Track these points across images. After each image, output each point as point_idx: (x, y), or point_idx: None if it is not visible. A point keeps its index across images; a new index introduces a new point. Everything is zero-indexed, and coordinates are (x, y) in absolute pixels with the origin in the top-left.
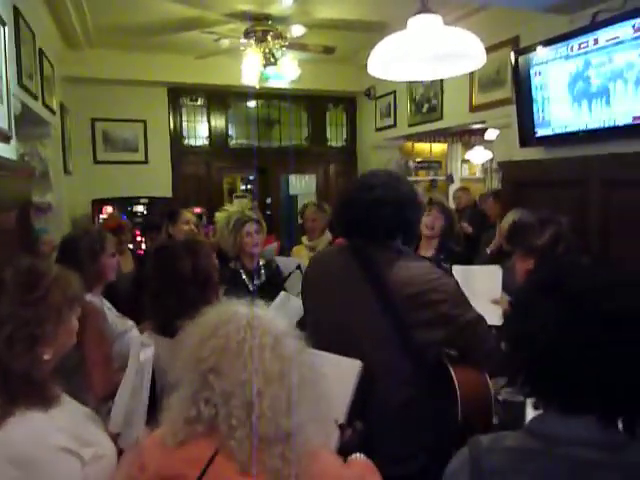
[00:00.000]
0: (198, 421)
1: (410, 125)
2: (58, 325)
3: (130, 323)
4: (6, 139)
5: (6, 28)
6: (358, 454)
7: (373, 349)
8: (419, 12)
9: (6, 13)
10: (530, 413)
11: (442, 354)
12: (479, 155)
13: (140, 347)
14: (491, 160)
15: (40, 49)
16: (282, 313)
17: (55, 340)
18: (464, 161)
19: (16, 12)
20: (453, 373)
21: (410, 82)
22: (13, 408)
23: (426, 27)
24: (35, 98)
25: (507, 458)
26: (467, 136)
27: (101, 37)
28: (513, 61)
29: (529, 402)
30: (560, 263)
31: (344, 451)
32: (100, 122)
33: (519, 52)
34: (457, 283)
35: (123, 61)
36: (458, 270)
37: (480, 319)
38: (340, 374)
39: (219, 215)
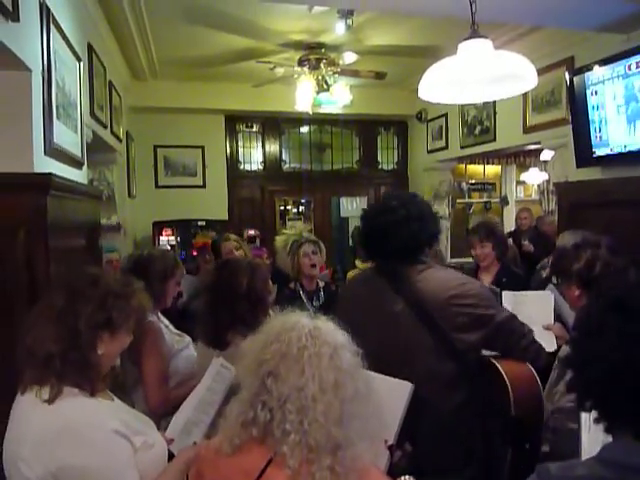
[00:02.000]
0: (254, 424)
1: (462, 147)
2: (122, 327)
3: (187, 339)
4: (79, 165)
5: (82, 64)
6: (407, 476)
7: (417, 361)
8: (470, 37)
9: (81, 50)
10: (585, 441)
11: (483, 356)
12: (534, 176)
13: (219, 367)
14: (547, 181)
15: (110, 81)
16: None
17: (113, 340)
18: (519, 182)
19: (90, 48)
20: (501, 368)
21: (462, 105)
22: (62, 386)
23: (476, 51)
24: (105, 127)
25: None
26: (522, 157)
27: (164, 69)
28: (568, 81)
29: (584, 429)
30: (622, 281)
31: (393, 473)
32: (162, 148)
33: (574, 72)
34: (482, 285)
35: (183, 90)
36: (508, 295)
37: (512, 317)
38: (391, 395)
39: (278, 238)
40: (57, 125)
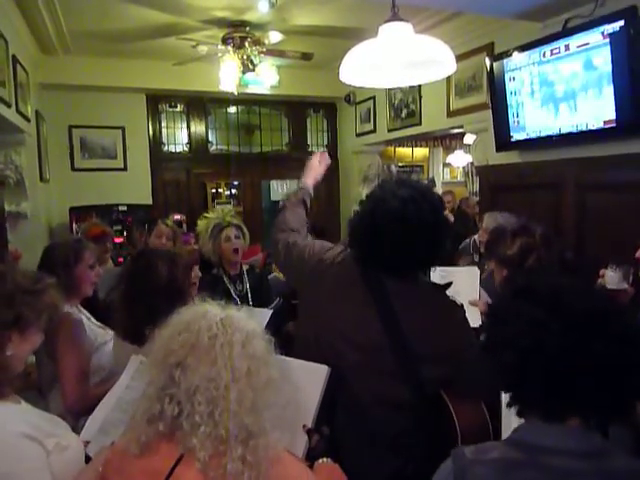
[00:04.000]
0: (160, 419)
1: (390, 130)
2: (33, 326)
3: (111, 333)
4: None
5: None
6: (325, 459)
7: (372, 378)
8: (390, 20)
9: None
10: (514, 422)
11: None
12: (460, 159)
13: (139, 364)
14: (471, 163)
15: (13, 55)
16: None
17: (23, 339)
18: (445, 165)
19: None
20: (452, 409)
21: (388, 88)
22: None
23: (396, 34)
24: (8, 106)
25: (492, 469)
26: (448, 140)
27: (77, 43)
28: (488, 67)
29: (504, 410)
30: (530, 272)
31: (312, 456)
32: (78, 129)
33: (494, 58)
34: (464, 314)
35: (100, 67)
36: (437, 271)
37: (480, 354)
38: (308, 379)
39: (200, 222)
40: None
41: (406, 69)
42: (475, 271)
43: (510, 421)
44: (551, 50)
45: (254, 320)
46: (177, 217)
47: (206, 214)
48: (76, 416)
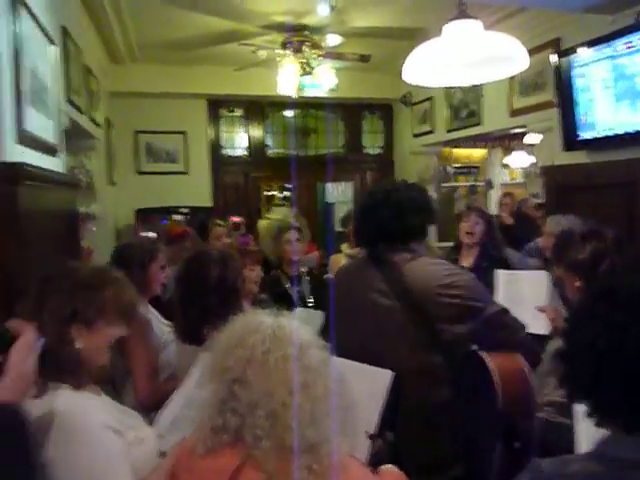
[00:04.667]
0: (224, 430)
1: (449, 131)
2: (98, 320)
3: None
4: (53, 152)
5: (55, 48)
6: (389, 465)
7: (403, 352)
8: (457, 17)
9: (55, 33)
10: (580, 435)
11: (473, 350)
12: (519, 159)
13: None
14: (532, 164)
15: (86, 65)
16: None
17: (91, 332)
18: (504, 166)
19: (64, 31)
20: (489, 362)
21: (448, 88)
22: (46, 381)
23: (464, 32)
24: (82, 113)
25: None
26: (507, 141)
27: (143, 52)
28: (554, 63)
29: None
30: (612, 274)
31: (375, 462)
32: (143, 134)
33: (561, 54)
34: (475, 278)
35: (164, 74)
36: (503, 274)
37: (504, 311)
38: (370, 384)
39: (261, 223)
40: (29, 111)
41: (476, 67)
42: (544, 275)
43: (584, 433)
44: (625, 44)
45: (308, 327)
46: (236, 219)
47: (268, 215)
48: (147, 411)
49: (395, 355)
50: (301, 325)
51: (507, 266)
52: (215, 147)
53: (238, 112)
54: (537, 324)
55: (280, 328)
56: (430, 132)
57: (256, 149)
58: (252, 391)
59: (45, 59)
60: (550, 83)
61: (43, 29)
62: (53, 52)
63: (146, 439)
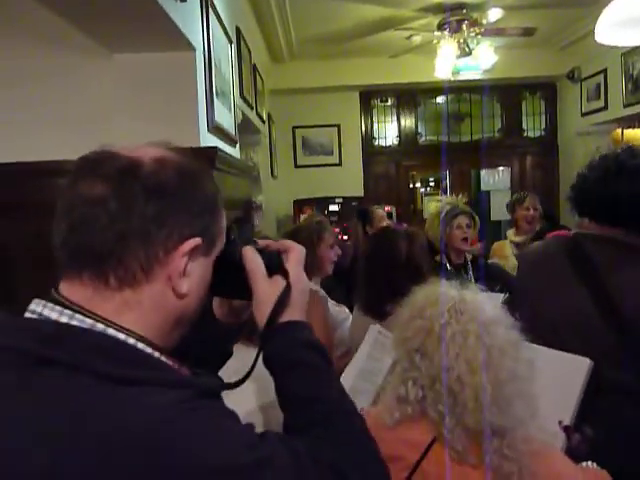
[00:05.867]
0: (407, 402)
1: (626, 106)
2: None
3: (347, 311)
4: (234, 143)
5: (233, 46)
6: (589, 462)
7: (602, 368)
8: None
9: (231, 32)
10: None
11: None
12: None
13: (377, 334)
14: None
15: (254, 65)
16: None
17: None
18: None
19: (238, 31)
20: None
21: (625, 57)
22: None
23: None
24: (251, 108)
25: None
26: None
27: (301, 49)
28: None
29: None
30: None
31: (572, 458)
32: (300, 129)
33: None
34: None
35: (319, 69)
36: None
37: None
38: (566, 372)
39: (432, 204)
40: (217, 104)
41: None
42: None
43: None
44: None
45: (496, 303)
46: (387, 209)
47: (438, 197)
48: None
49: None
50: (487, 300)
51: None
52: (367, 138)
53: (389, 101)
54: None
55: (462, 302)
56: (603, 109)
57: (407, 138)
58: (432, 364)
59: (227, 57)
60: None
61: (224, 27)
62: (232, 51)
63: None
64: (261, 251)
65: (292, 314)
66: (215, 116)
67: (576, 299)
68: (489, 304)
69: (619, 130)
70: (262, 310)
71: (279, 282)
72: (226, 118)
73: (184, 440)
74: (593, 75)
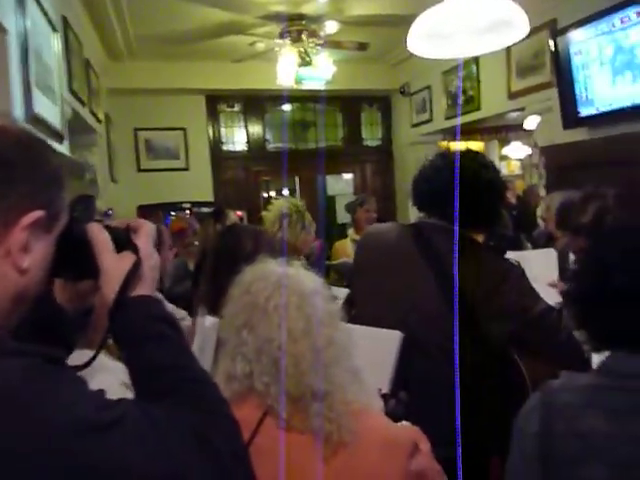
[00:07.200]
0: (235, 378)
1: (447, 118)
2: None
3: (183, 313)
4: (60, 138)
5: (58, 36)
6: (404, 422)
7: (438, 339)
8: None
9: (56, 21)
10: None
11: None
12: (517, 150)
13: (206, 327)
14: (530, 155)
15: (87, 60)
16: None
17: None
18: (502, 158)
19: (65, 21)
20: (523, 368)
21: (445, 75)
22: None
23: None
24: (83, 104)
25: (579, 394)
26: (504, 132)
27: (141, 47)
28: (552, 44)
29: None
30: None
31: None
32: (142, 131)
33: (558, 33)
34: (524, 273)
35: (162, 70)
36: (512, 257)
37: (550, 309)
38: (381, 345)
39: (270, 207)
40: (36, 93)
41: (478, 35)
42: (552, 252)
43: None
44: (621, 19)
45: (317, 277)
46: (238, 213)
47: (271, 203)
48: None
49: (426, 339)
50: (309, 275)
51: (516, 243)
52: (215, 143)
53: (237, 107)
54: (550, 299)
55: (286, 276)
56: (429, 121)
57: (255, 144)
58: (257, 337)
59: (49, 45)
60: (547, 63)
61: (46, 13)
62: (57, 41)
63: None
64: (108, 227)
65: (144, 288)
66: (34, 106)
67: (420, 277)
68: (310, 277)
69: (445, 142)
70: (111, 285)
71: (128, 257)
72: (50, 111)
73: (34, 402)
74: (420, 90)
